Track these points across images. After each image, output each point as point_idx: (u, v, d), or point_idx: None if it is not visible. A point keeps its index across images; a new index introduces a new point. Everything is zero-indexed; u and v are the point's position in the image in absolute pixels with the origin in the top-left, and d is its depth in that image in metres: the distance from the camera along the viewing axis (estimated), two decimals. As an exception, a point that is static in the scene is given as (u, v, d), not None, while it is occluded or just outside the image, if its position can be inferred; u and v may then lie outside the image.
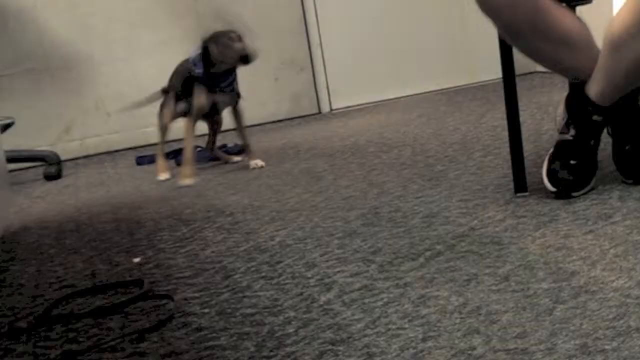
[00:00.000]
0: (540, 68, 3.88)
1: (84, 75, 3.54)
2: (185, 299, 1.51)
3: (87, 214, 2.40)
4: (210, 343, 1.28)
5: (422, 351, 1.14)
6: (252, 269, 1.63)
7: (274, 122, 3.74)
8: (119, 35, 3.56)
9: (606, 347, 1.06)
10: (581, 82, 1.84)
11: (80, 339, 1.40)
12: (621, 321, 1.13)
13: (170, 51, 3.51)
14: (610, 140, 1.88)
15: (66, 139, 3.54)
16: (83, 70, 3.54)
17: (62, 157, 3.28)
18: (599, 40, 1.81)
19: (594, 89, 1.81)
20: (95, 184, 2.89)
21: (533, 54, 1.89)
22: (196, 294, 1.53)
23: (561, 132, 1.88)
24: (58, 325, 1.48)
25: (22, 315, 1.57)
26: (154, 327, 1.39)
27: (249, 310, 1.40)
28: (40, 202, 2.71)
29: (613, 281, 1.28)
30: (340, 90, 3.87)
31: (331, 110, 3.86)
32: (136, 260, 1.82)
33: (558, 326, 1.15)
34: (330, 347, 1.20)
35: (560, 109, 1.91)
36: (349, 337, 1.22)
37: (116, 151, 3.55)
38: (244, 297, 1.48)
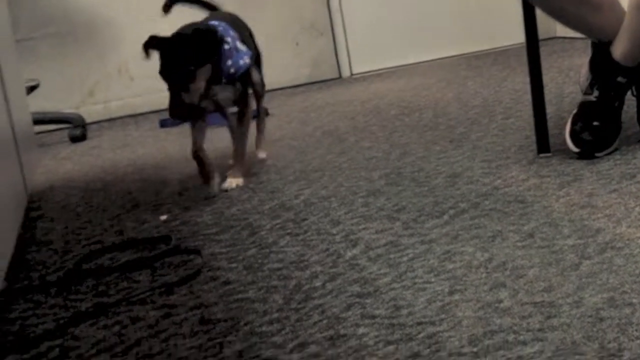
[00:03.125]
0: (560, 33, 3.84)
1: (107, 39, 3.54)
2: (213, 254, 1.52)
3: (113, 174, 2.41)
4: (239, 296, 1.29)
5: (448, 304, 1.13)
6: (278, 226, 1.63)
7: (294, 86, 3.73)
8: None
9: (634, 300, 1.05)
10: (605, 43, 1.82)
11: (111, 292, 1.41)
12: (648, 276, 1.12)
13: (192, 15, 3.49)
14: (634, 101, 1.86)
15: (90, 102, 3.54)
16: (106, 34, 3.53)
17: (87, 120, 3.29)
18: (624, 1, 1.78)
19: (618, 50, 1.79)
20: (120, 145, 2.90)
21: (557, 14, 1.86)
22: (223, 250, 1.53)
23: (585, 93, 1.85)
24: (88, 280, 1.49)
25: (52, 270, 1.59)
26: (183, 281, 1.39)
27: (275, 265, 1.41)
28: (67, 163, 2.72)
29: (639, 238, 1.27)
30: (360, 55, 3.85)
31: (351, 74, 3.84)
32: (163, 217, 1.83)
33: (585, 280, 1.14)
34: (357, 299, 1.20)
35: (584, 70, 1.89)
36: (375, 291, 1.22)
37: (139, 114, 3.56)
38: (271, 252, 1.48)
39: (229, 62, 1.92)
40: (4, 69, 2.07)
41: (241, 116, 2.05)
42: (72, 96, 3.52)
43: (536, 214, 1.46)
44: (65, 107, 3.45)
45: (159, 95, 3.60)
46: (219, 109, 2.07)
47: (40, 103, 3.27)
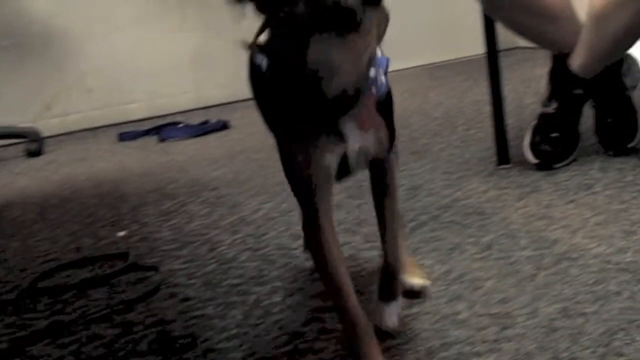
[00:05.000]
0: (523, 43, 3.90)
1: (65, 51, 3.53)
2: (171, 271, 1.53)
3: (70, 189, 2.41)
4: (198, 312, 1.31)
5: (407, 317, 1.16)
6: (238, 241, 1.66)
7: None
8: (98, 9, 3.54)
9: (586, 310, 1.09)
10: (564, 55, 1.87)
11: (68, 311, 1.42)
12: (601, 286, 1.16)
13: (150, 26, 3.51)
14: (592, 112, 1.91)
15: (47, 116, 3.53)
16: (63, 45, 3.52)
17: (44, 134, 3.28)
18: (582, 13, 1.84)
19: (576, 62, 1.84)
20: (78, 160, 2.90)
21: (516, 27, 1.91)
22: (182, 266, 1.55)
23: (544, 105, 1.91)
24: (45, 298, 1.50)
25: (9, 288, 1.59)
26: (141, 298, 1.41)
27: (235, 281, 1.43)
28: (23, 178, 2.71)
29: (593, 248, 1.31)
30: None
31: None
32: (121, 234, 1.84)
33: (540, 291, 1.18)
34: (316, 314, 1.22)
35: (546, 82, 1.94)
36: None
37: (98, 127, 3.55)
38: (230, 268, 1.50)
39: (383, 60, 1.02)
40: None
41: (384, 178, 1.11)
42: (28, 110, 3.50)
43: (495, 225, 1.50)
44: (22, 121, 3.43)
45: (118, 108, 3.62)
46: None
47: (-4, 117, 3.26)
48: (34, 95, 3.52)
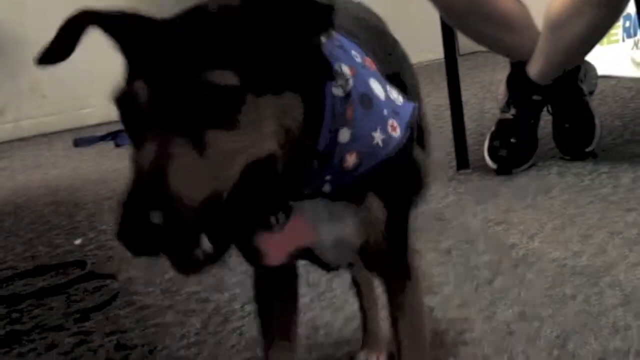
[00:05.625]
0: (483, 48, 3.97)
1: (19, 57, 3.50)
2: (129, 279, 1.54)
3: (24, 197, 2.41)
4: (156, 320, 1.32)
5: (366, 322, 1.19)
6: (197, 248, 1.67)
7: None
8: (54, 15, 3.51)
9: (543, 314, 1.13)
10: (522, 62, 1.91)
11: (24, 320, 1.42)
12: (557, 289, 1.20)
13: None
14: (550, 118, 1.96)
15: (0, 121, 3.51)
16: (18, 51, 3.50)
17: (-3, 140, 3.26)
18: (539, 21, 1.88)
19: (534, 69, 1.89)
20: (32, 166, 2.89)
21: (474, 35, 1.96)
22: (140, 274, 1.56)
23: (502, 111, 1.95)
24: (1, 307, 1.50)
25: (-38, 299, 1.59)
26: (98, 307, 1.42)
27: (194, 289, 1.44)
28: (-25, 186, 2.70)
29: (550, 252, 1.35)
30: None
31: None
32: (77, 242, 1.84)
33: (497, 296, 1.21)
34: (276, 321, 1.25)
35: (502, 88, 1.99)
36: (294, 311, 1.27)
37: (53, 133, 3.54)
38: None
39: (345, 134, 0.71)
40: None
41: (399, 298, 0.88)
42: (-20, 115, 3.48)
43: (454, 231, 1.54)
44: (-27, 127, 3.41)
45: (73, 113, 3.60)
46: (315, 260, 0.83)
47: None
48: (-14, 100, 3.50)
